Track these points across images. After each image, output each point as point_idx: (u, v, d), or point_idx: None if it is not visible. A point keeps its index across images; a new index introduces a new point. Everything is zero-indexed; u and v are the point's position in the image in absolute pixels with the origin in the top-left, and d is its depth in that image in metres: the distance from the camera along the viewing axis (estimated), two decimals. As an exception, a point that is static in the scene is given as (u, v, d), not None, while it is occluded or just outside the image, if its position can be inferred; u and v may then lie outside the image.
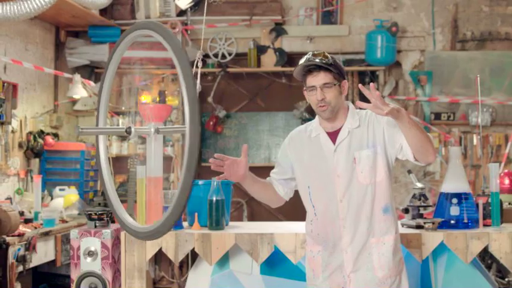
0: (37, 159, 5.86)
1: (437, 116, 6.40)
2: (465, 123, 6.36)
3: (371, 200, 2.51)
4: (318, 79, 2.52)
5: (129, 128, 1.64)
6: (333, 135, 2.57)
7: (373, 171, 2.51)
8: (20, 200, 5.49)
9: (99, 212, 3.17)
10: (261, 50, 6.47)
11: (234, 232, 3.06)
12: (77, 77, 5.64)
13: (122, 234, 3.04)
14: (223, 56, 6.52)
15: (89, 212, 3.18)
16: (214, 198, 3.15)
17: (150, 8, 6.30)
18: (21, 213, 5.07)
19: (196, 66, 2.93)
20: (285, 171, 2.68)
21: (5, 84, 5.20)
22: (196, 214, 3.20)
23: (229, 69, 6.51)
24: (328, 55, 2.55)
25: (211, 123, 6.61)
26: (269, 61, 6.47)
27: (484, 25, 6.41)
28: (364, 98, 2.39)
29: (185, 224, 3.30)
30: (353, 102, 2.55)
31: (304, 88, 2.60)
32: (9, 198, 5.28)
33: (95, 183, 6.24)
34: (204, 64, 6.67)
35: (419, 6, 6.49)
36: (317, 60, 2.52)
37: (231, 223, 3.43)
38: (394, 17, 6.44)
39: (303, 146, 2.61)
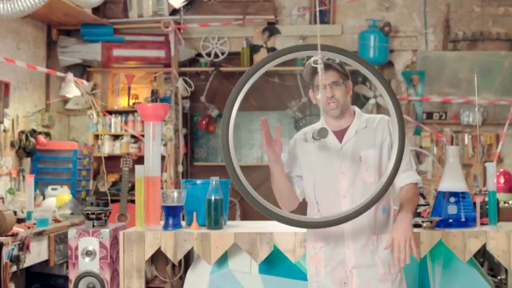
0: (29, 159, 5.82)
1: (429, 115, 6.45)
2: (457, 123, 6.41)
3: None
4: (327, 77, 2.56)
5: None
6: (339, 134, 2.64)
7: (377, 170, 2.58)
8: (12, 200, 5.44)
9: (98, 212, 3.15)
10: (254, 49, 6.47)
11: (233, 231, 3.05)
12: (70, 75, 5.61)
13: (121, 233, 3.03)
14: (216, 55, 6.52)
15: (87, 212, 3.16)
16: (213, 198, 3.13)
17: (143, 6, 6.28)
18: (14, 213, 5.04)
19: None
20: (295, 169, 2.73)
21: (-2, 83, 5.16)
22: (194, 213, 3.18)
23: (221, 69, 6.51)
24: None
25: (203, 122, 6.60)
26: (262, 60, 6.47)
27: (475, 25, 6.46)
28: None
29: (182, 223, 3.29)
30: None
31: (311, 88, 2.67)
32: (1, 198, 5.24)
33: (87, 182, 6.21)
34: (197, 63, 6.68)
35: (412, 6, 6.52)
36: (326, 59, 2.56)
37: (228, 222, 3.43)
38: (386, 16, 6.47)
39: (309, 145, 2.63)
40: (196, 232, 3.05)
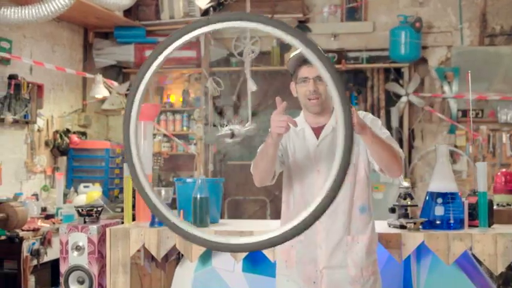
0: (65, 157, 6.07)
1: (465, 113, 6.23)
2: (494, 121, 6.15)
3: (349, 197, 2.52)
4: (313, 70, 2.51)
5: None
6: (317, 131, 2.60)
7: (353, 169, 2.52)
8: (47, 197, 5.70)
9: (88, 208, 3.27)
10: (284, 48, 6.46)
11: (214, 229, 3.09)
12: (99, 77, 5.80)
13: (107, 230, 3.13)
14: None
15: (78, 208, 3.29)
16: (198, 196, 3.18)
17: (174, 8, 6.41)
18: (44, 209, 5.29)
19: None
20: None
21: (30, 84, 5.41)
22: (182, 211, 3.24)
23: (252, 68, 6.53)
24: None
25: (235, 121, 6.64)
26: (292, 59, 6.46)
27: (514, 19, 6.20)
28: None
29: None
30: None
31: (293, 80, 2.61)
32: (35, 195, 5.50)
33: (121, 180, 6.39)
34: (229, 63, 6.75)
35: (446, 0, 6.32)
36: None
37: (222, 220, 3.47)
38: (420, 12, 6.30)
39: (289, 139, 2.62)
40: (178, 230, 3.10)
